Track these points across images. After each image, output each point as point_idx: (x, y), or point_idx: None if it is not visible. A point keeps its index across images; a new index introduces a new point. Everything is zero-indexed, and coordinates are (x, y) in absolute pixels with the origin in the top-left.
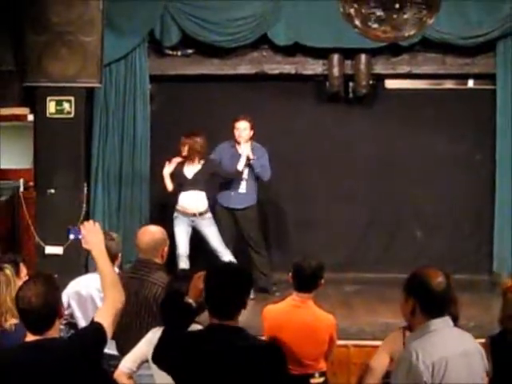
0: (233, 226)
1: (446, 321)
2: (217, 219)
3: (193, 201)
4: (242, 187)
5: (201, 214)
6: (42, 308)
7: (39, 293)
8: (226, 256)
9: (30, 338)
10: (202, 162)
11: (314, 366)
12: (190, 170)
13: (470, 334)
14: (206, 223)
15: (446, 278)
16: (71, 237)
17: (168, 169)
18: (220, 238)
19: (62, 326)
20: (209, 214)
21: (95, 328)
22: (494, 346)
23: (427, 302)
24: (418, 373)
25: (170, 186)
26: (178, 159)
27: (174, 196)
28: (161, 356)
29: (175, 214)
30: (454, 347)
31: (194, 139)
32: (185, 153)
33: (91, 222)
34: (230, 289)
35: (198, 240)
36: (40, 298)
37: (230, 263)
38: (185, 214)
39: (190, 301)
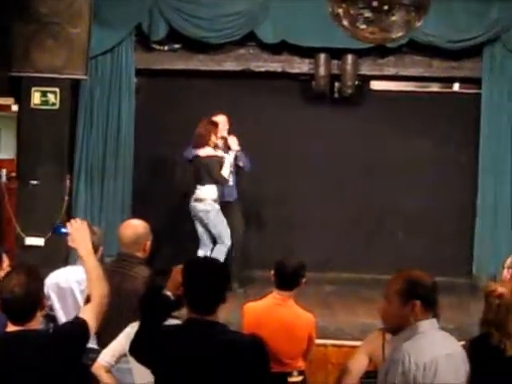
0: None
1: (433, 323)
2: None
3: None
4: (231, 180)
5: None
6: (25, 298)
7: (22, 283)
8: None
9: (10, 328)
10: None
11: (292, 364)
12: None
13: (452, 336)
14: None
15: None
16: (60, 231)
17: None
18: None
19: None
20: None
21: (80, 324)
22: (473, 349)
23: (431, 301)
24: (410, 373)
25: None
26: None
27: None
28: (138, 349)
29: (216, 206)
30: (441, 349)
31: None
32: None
33: (78, 220)
34: (208, 283)
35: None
36: (23, 288)
37: (207, 257)
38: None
39: (169, 294)
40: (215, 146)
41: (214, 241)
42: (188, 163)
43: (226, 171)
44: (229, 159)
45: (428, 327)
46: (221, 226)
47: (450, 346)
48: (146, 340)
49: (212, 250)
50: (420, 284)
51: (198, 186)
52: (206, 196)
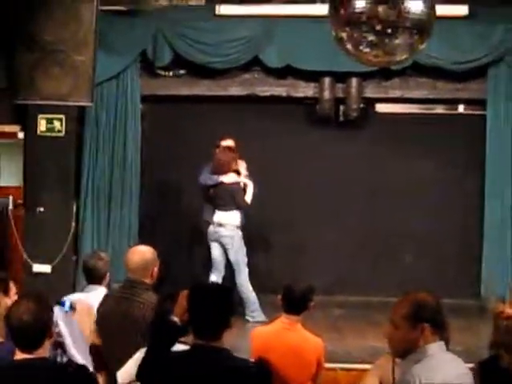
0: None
1: (441, 345)
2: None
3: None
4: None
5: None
6: (33, 325)
7: (31, 310)
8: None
9: (18, 356)
10: None
11: None
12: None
13: (459, 358)
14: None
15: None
16: (64, 307)
17: None
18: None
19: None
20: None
21: (89, 376)
22: (483, 371)
23: (438, 323)
24: None
25: None
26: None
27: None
28: (145, 375)
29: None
30: (450, 371)
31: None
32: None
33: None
34: (213, 308)
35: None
36: (31, 316)
37: (213, 282)
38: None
39: (175, 319)
40: (238, 173)
41: (227, 266)
42: (204, 189)
43: (250, 197)
44: (251, 186)
45: (437, 350)
46: (241, 252)
47: (459, 368)
48: (152, 366)
49: (223, 276)
50: (427, 306)
51: (220, 212)
52: (231, 221)
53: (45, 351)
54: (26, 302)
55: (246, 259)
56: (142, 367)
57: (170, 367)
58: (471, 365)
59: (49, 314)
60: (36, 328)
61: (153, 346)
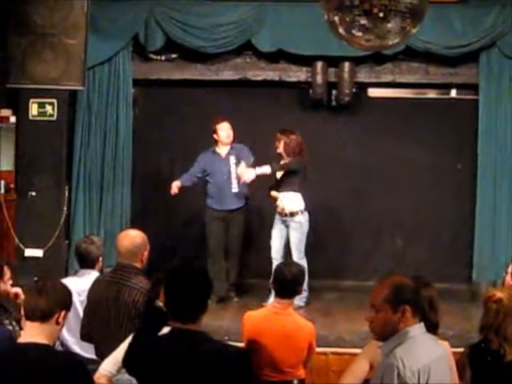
0: (223, 233)
1: (422, 327)
2: (207, 225)
3: (281, 200)
4: (234, 186)
5: (291, 214)
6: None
7: (51, 288)
8: None
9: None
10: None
11: (292, 373)
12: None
13: (438, 340)
14: (292, 225)
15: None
16: None
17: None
18: (301, 245)
19: None
20: (298, 217)
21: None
22: (473, 354)
23: (418, 304)
24: (405, 378)
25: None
26: None
27: None
28: (127, 361)
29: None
30: (432, 353)
31: (290, 136)
32: (279, 149)
33: None
34: (187, 291)
35: None
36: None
37: (188, 265)
38: (278, 213)
39: (161, 304)
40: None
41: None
42: None
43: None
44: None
45: (418, 332)
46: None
47: (439, 350)
48: (135, 352)
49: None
50: (406, 289)
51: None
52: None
53: (51, 338)
54: (49, 281)
55: None
56: (126, 353)
57: (150, 352)
58: (462, 349)
59: (66, 301)
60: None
61: (140, 332)
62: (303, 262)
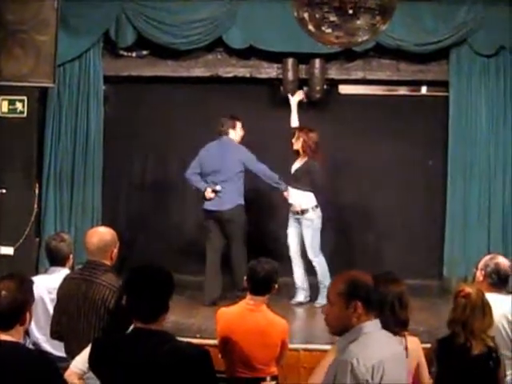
0: (220, 234)
1: (377, 324)
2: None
3: (293, 198)
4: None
5: (302, 211)
6: (8, 304)
7: (10, 288)
8: (313, 262)
9: None
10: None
11: (265, 369)
12: (295, 166)
13: (394, 337)
14: (304, 223)
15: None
16: None
17: None
18: (315, 242)
19: None
20: (310, 214)
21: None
22: (441, 348)
23: (372, 301)
24: (359, 375)
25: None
26: None
27: None
28: (90, 359)
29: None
30: (387, 350)
31: (309, 134)
32: (296, 146)
33: None
34: (148, 290)
35: None
36: (9, 294)
37: (149, 265)
38: (291, 211)
39: None
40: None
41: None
42: None
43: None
44: None
45: (372, 328)
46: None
47: (394, 347)
48: (93, 350)
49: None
50: (361, 284)
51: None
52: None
53: (17, 335)
54: (8, 281)
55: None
56: (90, 351)
57: (110, 351)
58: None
59: (26, 298)
60: (10, 308)
61: (107, 330)
62: (320, 260)
